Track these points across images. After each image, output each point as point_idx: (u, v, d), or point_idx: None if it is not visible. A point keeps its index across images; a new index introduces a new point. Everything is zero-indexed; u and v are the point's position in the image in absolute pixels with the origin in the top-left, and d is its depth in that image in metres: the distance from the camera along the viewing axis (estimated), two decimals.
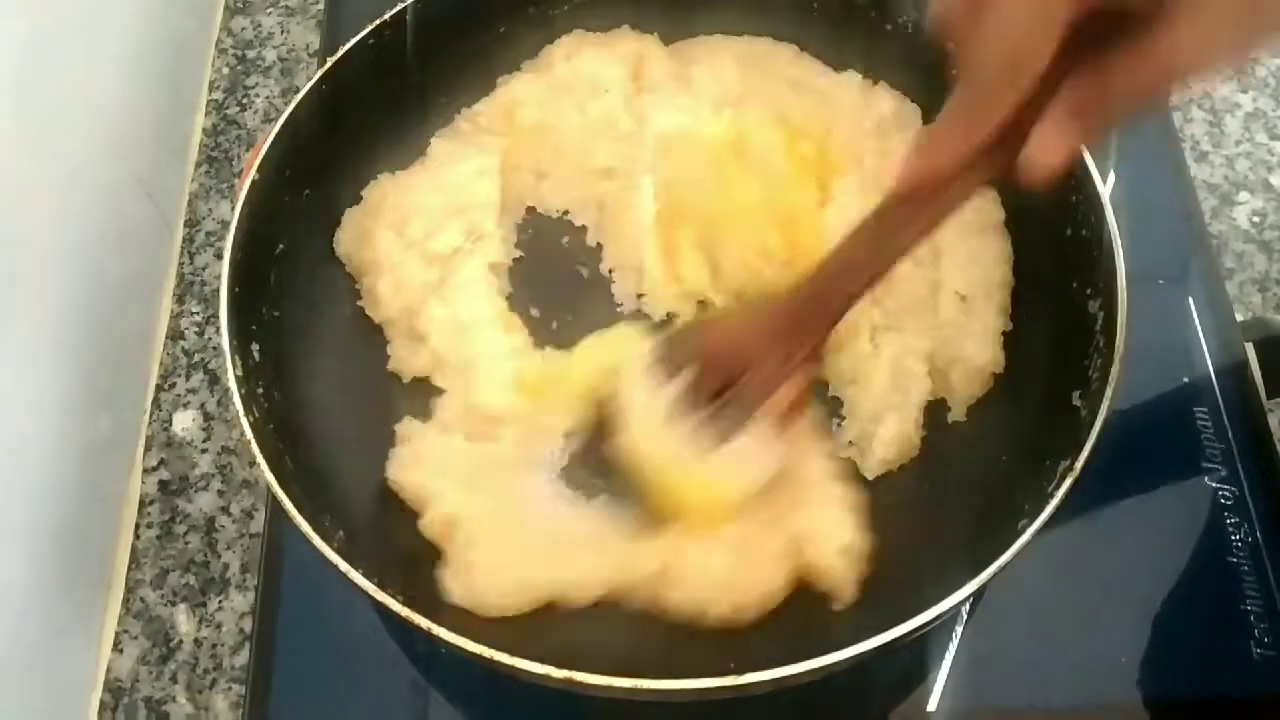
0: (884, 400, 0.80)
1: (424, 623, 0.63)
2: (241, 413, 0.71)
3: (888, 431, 0.79)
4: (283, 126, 0.80)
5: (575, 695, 0.63)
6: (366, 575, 0.65)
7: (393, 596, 0.64)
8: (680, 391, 0.72)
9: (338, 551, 0.65)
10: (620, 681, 0.61)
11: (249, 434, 0.70)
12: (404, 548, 0.76)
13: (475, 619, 0.70)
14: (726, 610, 0.72)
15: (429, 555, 0.76)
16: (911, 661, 0.78)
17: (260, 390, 0.75)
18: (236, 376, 0.72)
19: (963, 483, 0.79)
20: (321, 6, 1.11)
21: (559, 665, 0.62)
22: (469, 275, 0.84)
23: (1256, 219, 1.00)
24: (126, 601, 0.86)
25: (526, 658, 0.62)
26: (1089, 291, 0.76)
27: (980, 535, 0.73)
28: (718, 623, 0.72)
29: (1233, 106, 1.06)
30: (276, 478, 0.68)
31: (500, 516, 0.75)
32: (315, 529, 0.66)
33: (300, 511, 0.67)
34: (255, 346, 0.77)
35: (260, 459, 0.69)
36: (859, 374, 0.81)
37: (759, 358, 0.71)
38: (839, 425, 0.81)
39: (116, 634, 0.85)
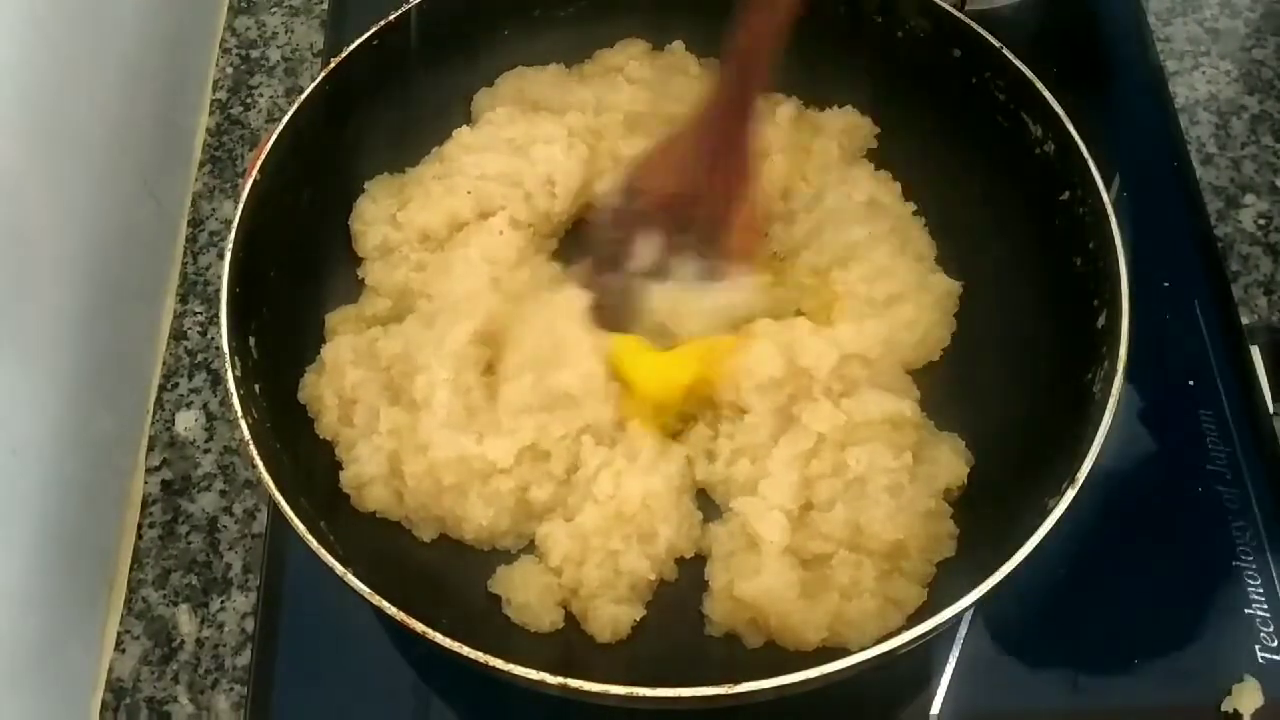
0: None
1: (419, 627, 0.63)
2: (240, 414, 0.71)
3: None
4: (286, 126, 0.81)
5: (577, 701, 0.63)
6: (363, 578, 0.65)
7: (389, 600, 0.64)
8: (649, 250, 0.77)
9: (334, 554, 0.66)
10: (616, 689, 0.61)
11: (247, 435, 0.70)
12: (403, 551, 0.77)
13: (471, 623, 0.70)
14: None
15: (428, 558, 0.76)
16: (915, 666, 0.78)
17: (260, 391, 0.76)
18: (236, 377, 0.73)
19: (963, 494, 0.78)
20: (325, 6, 1.11)
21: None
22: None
23: (1262, 221, 1.00)
24: (128, 601, 0.86)
25: (523, 664, 0.62)
26: (1094, 301, 0.76)
27: (980, 543, 0.73)
28: None
29: (1239, 109, 1.06)
30: (274, 479, 0.68)
31: None
32: (312, 531, 0.66)
33: (297, 513, 0.67)
34: (255, 347, 0.77)
35: (258, 460, 0.69)
36: None
37: (701, 180, 0.76)
38: None
39: (118, 634, 0.85)
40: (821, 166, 0.90)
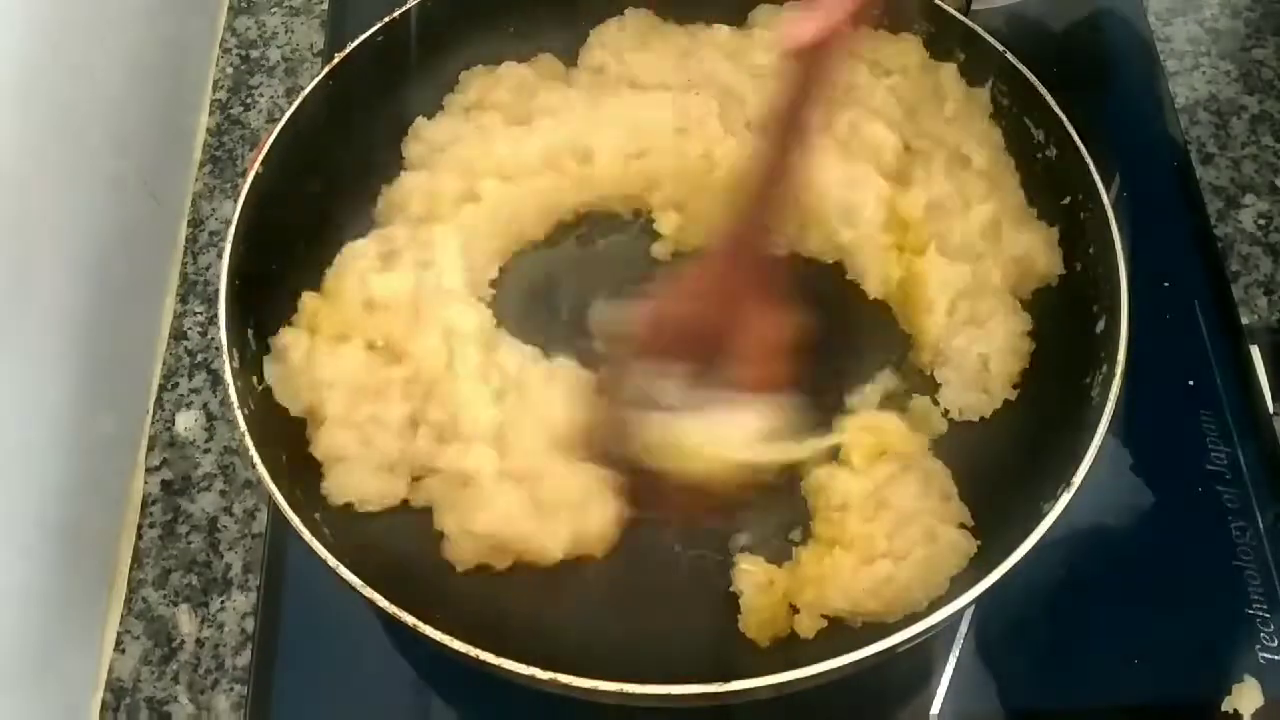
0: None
1: (410, 620, 0.63)
2: (236, 405, 0.71)
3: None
4: (286, 125, 0.81)
5: (573, 699, 0.64)
6: (357, 572, 0.65)
7: (380, 593, 0.64)
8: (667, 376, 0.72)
9: (327, 546, 0.66)
10: (608, 685, 0.61)
11: (243, 426, 0.70)
12: (399, 546, 0.77)
13: (466, 616, 0.70)
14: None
15: (423, 552, 0.77)
16: (915, 666, 0.78)
17: (257, 384, 0.77)
18: (233, 369, 0.73)
19: (963, 487, 0.78)
20: (325, 6, 1.11)
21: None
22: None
23: (1262, 221, 1.00)
24: (128, 601, 0.86)
25: (514, 659, 0.62)
26: (1094, 306, 0.76)
27: (979, 544, 0.73)
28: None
29: (1239, 109, 1.05)
30: (270, 471, 0.68)
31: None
32: (306, 523, 0.67)
33: (292, 505, 0.67)
34: (254, 339, 0.78)
35: (254, 452, 0.69)
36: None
37: (727, 306, 0.71)
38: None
39: (118, 634, 0.85)
40: (977, 290, 0.83)
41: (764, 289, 0.72)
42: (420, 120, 0.90)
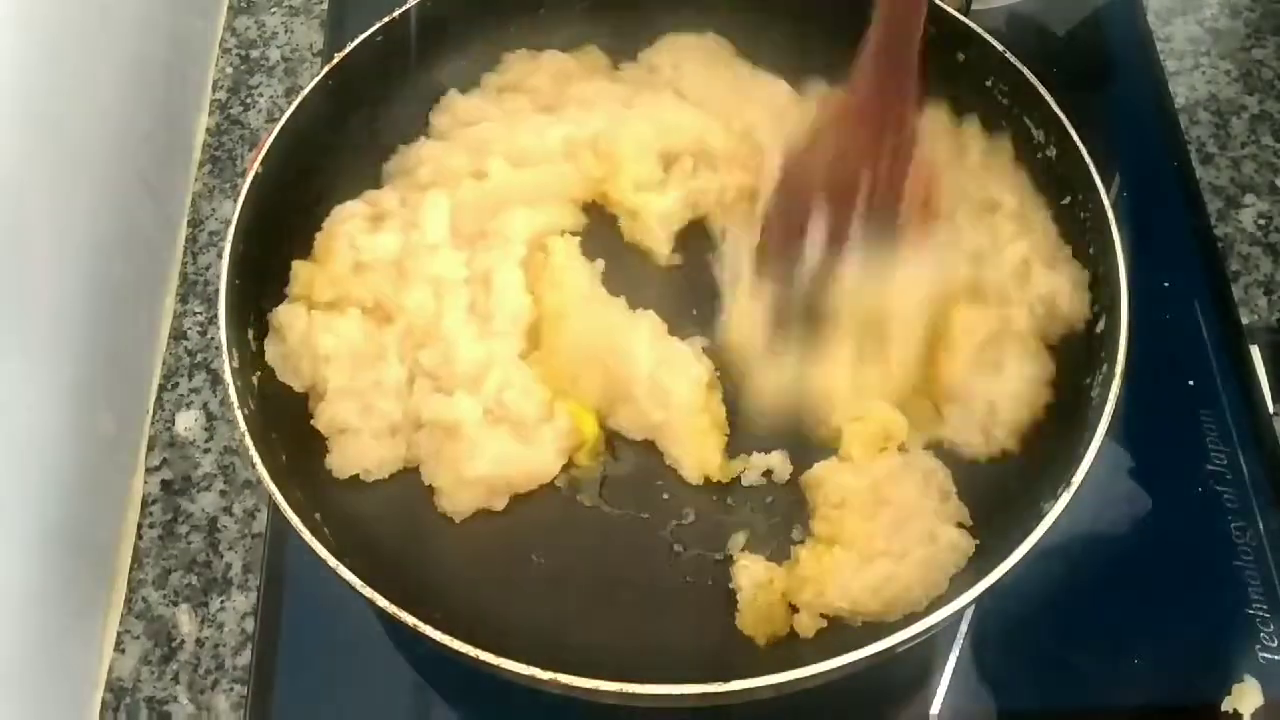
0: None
1: (411, 620, 0.63)
2: (236, 404, 0.71)
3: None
4: (286, 125, 0.81)
5: (573, 698, 0.64)
6: (357, 572, 0.65)
7: (380, 592, 0.64)
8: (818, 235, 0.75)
9: (327, 546, 0.66)
10: (608, 685, 0.61)
11: (243, 425, 0.70)
12: (400, 546, 0.77)
13: (466, 615, 0.70)
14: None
15: (422, 549, 0.77)
16: (915, 666, 0.78)
17: (257, 383, 0.77)
18: (233, 368, 0.73)
19: (963, 487, 0.78)
20: (325, 6, 1.11)
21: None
22: None
23: (1262, 221, 1.00)
24: (128, 601, 0.86)
25: (514, 658, 0.62)
26: (1094, 306, 0.76)
27: (978, 544, 0.73)
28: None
29: (1239, 109, 1.06)
30: (269, 469, 0.69)
31: None
32: (306, 522, 0.67)
33: (291, 504, 0.67)
34: (254, 339, 0.78)
35: (253, 451, 0.69)
36: None
37: (864, 155, 0.73)
38: None
39: (118, 634, 0.85)
40: (994, 338, 0.80)
41: (908, 130, 0.74)
42: (453, 93, 0.91)
